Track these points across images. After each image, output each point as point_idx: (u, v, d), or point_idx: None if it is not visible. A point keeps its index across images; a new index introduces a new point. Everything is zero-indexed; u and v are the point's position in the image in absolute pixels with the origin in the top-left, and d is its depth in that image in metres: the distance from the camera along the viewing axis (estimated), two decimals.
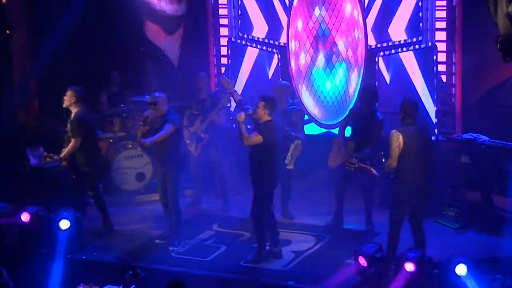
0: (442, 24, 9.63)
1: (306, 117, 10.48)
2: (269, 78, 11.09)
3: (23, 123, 11.32)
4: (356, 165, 7.77)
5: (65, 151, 8.89)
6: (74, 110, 8.86)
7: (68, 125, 8.93)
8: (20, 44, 11.29)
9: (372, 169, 7.71)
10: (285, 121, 9.05)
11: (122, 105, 10.81)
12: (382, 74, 10.27)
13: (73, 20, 11.19)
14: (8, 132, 11.02)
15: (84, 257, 8.44)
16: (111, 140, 10.61)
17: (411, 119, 7.58)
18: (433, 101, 9.80)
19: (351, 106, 9.61)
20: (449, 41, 9.58)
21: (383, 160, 7.76)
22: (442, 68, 9.69)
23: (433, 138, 9.69)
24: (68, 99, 8.86)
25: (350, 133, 8.92)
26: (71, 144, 8.82)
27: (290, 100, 9.51)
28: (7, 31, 11.17)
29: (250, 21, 11.15)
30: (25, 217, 8.56)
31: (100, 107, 10.90)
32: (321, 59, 10.52)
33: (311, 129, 10.64)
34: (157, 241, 8.78)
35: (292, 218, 9.36)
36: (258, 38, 11.13)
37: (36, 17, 11.27)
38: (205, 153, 9.90)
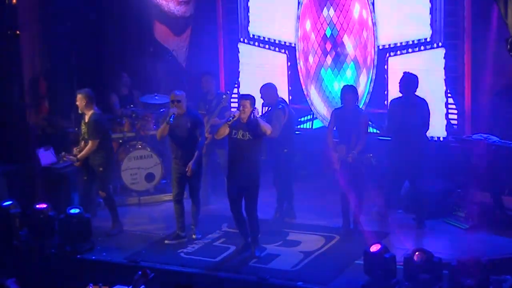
0: (452, 25, 9.61)
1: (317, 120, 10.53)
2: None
3: (33, 123, 11.35)
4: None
5: (83, 152, 8.92)
6: (88, 112, 8.90)
7: (83, 127, 8.96)
8: (30, 45, 11.30)
9: (371, 156, 8.41)
10: (267, 120, 8.96)
11: (131, 106, 10.83)
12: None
13: (83, 21, 11.22)
14: (18, 132, 11.04)
15: (93, 257, 8.45)
16: (120, 141, 10.63)
17: (402, 92, 8.71)
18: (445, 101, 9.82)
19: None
20: (459, 41, 9.55)
21: (372, 161, 8.41)
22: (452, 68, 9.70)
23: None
24: (80, 103, 8.91)
25: (338, 136, 8.84)
26: (89, 146, 8.86)
27: (278, 98, 9.33)
28: (17, 32, 11.20)
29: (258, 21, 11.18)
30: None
31: (112, 108, 10.92)
32: (329, 59, 10.52)
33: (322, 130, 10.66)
34: (166, 241, 8.80)
35: (294, 218, 9.34)
36: (269, 38, 11.13)
37: (46, 18, 11.30)
38: (212, 153, 9.91)
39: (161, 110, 10.72)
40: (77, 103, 8.94)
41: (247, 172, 8.07)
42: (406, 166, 8.67)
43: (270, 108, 9.23)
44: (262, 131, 8.02)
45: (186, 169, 8.60)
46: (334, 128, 8.87)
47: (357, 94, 8.89)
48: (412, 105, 8.67)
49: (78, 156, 8.93)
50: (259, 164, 8.20)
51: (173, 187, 8.87)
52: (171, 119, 8.50)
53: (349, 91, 8.75)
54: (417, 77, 8.76)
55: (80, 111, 9.00)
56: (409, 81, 8.74)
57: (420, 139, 8.66)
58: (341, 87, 9.01)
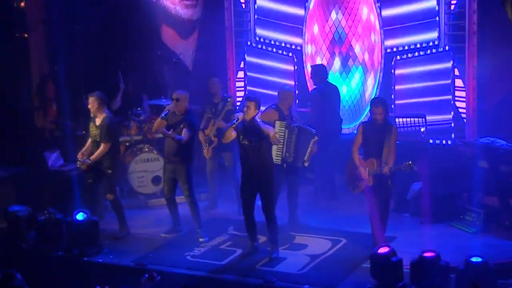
0: (459, 28, 9.59)
1: None
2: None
3: (41, 126, 11.39)
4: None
5: (95, 155, 8.91)
6: (100, 115, 8.91)
7: (93, 129, 8.96)
8: (38, 47, 11.36)
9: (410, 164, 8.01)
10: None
11: (139, 109, 10.85)
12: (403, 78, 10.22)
13: (90, 24, 11.26)
14: (26, 135, 11.08)
15: (100, 260, 8.46)
16: (127, 144, 10.65)
17: (315, 82, 10.00)
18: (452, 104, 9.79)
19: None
20: (466, 45, 9.53)
21: (414, 167, 7.97)
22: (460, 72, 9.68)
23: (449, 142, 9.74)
24: (92, 106, 8.92)
25: (364, 150, 8.30)
26: (102, 148, 8.87)
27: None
28: (25, 34, 11.26)
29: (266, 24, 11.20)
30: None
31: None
32: (337, 62, 10.52)
33: None
34: (163, 235, 8.96)
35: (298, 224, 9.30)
36: (275, 41, 11.15)
37: (53, 21, 11.34)
38: (218, 156, 9.93)
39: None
40: (89, 106, 8.96)
41: (259, 174, 8.05)
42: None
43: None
44: (265, 133, 7.98)
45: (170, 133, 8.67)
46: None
47: (388, 106, 8.37)
48: (328, 91, 9.68)
49: (91, 158, 8.93)
50: (271, 165, 8.18)
51: (163, 187, 9.12)
52: (164, 114, 8.70)
53: (381, 104, 8.20)
54: (323, 65, 10.17)
55: (92, 114, 9.00)
56: (319, 71, 9.96)
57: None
58: (371, 99, 8.61)
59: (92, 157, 8.94)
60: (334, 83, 10.19)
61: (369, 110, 8.29)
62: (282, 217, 8.76)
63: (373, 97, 10.34)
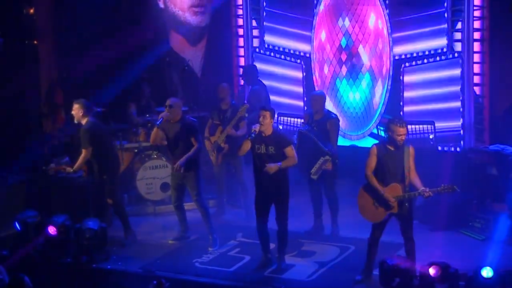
0: (469, 35, 9.57)
1: None
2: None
3: (49, 133, 11.42)
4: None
5: (76, 163, 8.96)
6: (83, 122, 8.90)
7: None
8: (47, 54, 11.41)
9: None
10: (319, 130, 8.81)
11: (147, 116, 10.87)
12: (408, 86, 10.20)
13: (99, 31, 11.30)
14: (34, 141, 11.12)
15: (109, 266, 8.47)
16: (136, 150, 10.67)
17: (245, 81, 10.72)
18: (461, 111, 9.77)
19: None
20: (477, 52, 9.51)
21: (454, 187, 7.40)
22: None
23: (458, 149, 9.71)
24: (76, 113, 8.87)
25: (380, 174, 7.47)
26: (82, 155, 8.88)
27: (325, 110, 9.08)
28: (35, 41, 11.31)
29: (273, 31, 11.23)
30: (52, 230, 8.63)
31: (130, 118, 10.94)
32: (344, 69, 10.52)
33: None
34: (170, 241, 8.97)
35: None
36: (284, 48, 11.17)
37: (63, 28, 11.40)
38: (227, 163, 9.92)
39: None
40: (73, 112, 8.92)
41: (275, 184, 7.95)
42: None
43: (321, 117, 8.92)
44: (286, 155, 7.86)
45: (175, 167, 8.64)
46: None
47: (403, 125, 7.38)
48: (262, 91, 10.27)
49: (73, 168, 8.96)
50: (287, 174, 8.07)
51: (172, 194, 9.11)
52: (159, 122, 8.69)
53: (405, 124, 7.38)
54: (254, 65, 10.76)
55: (76, 121, 8.98)
56: (248, 71, 10.55)
57: None
58: (393, 118, 7.74)
59: (75, 166, 8.94)
60: (263, 83, 10.64)
61: (388, 130, 7.37)
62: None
63: (381, 105, 10.34)
